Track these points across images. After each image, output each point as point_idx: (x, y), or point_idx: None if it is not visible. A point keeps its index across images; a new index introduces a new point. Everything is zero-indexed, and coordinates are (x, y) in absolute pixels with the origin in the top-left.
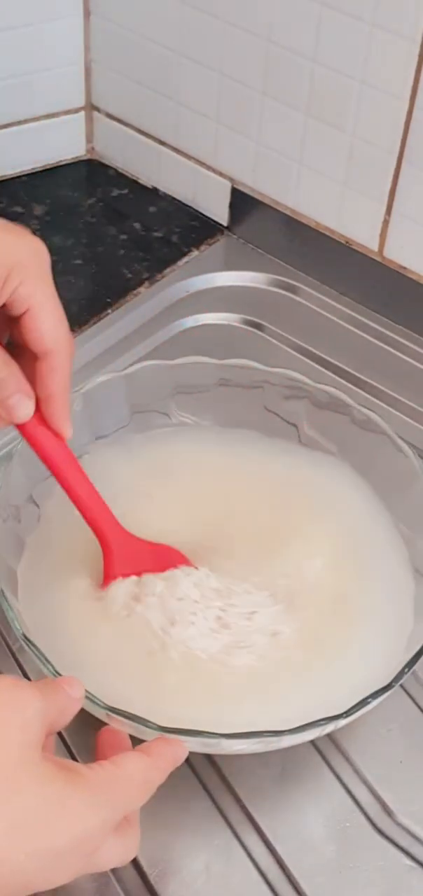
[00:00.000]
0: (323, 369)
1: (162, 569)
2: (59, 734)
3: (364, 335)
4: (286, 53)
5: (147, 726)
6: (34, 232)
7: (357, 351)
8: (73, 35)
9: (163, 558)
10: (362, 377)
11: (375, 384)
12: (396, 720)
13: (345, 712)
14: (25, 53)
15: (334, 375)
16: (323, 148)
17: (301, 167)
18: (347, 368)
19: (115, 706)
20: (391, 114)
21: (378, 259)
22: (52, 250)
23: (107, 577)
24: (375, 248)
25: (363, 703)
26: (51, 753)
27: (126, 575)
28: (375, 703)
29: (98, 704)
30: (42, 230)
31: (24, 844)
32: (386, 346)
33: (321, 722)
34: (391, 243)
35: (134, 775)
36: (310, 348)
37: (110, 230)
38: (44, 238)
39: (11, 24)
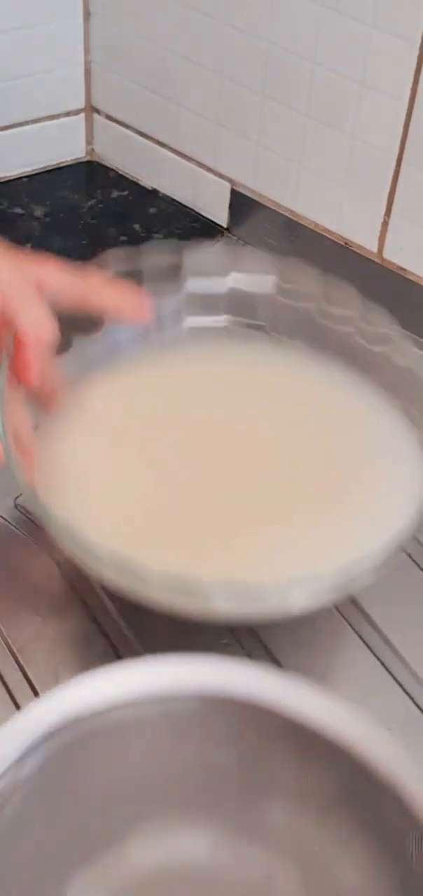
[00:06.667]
0: None
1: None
2: None
3: None
4: (286, 55)
5: (148, 577)
6: (35, 233)
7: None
8: (73, 36)
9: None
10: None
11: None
12: (395, 720)
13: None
14: (25, 55)
15: None
16: (323, 149)
17: (301, 169)
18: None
19: (116, 554)
20: (391, 115)
21: (377, 260)
22: (53, 251)
23: None
24: (374, 249)
25: (381, 553)
26: None
27: None
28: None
29: (98, 556)
30: (42, 231)
31: None
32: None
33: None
34: (391, 245)
35: None
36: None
37: (110, 232)
38: (44, 239)
39: (11, 25)
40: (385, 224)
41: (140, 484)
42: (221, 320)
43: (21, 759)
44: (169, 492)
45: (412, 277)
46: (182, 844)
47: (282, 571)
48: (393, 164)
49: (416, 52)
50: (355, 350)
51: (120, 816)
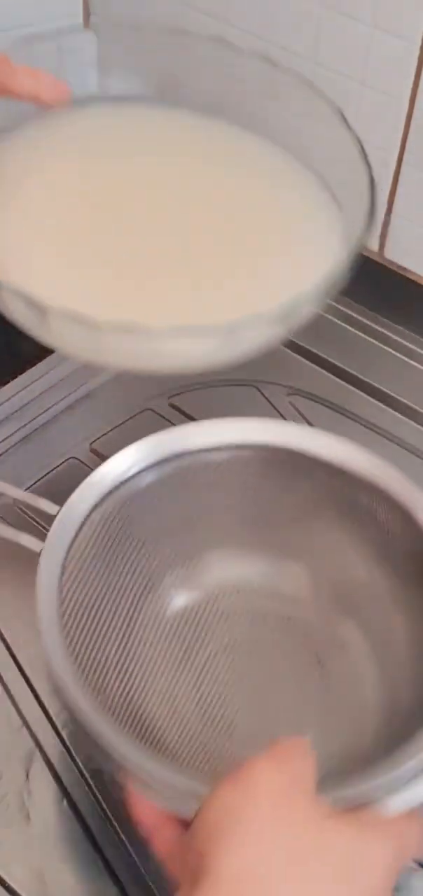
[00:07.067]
0: (322, 370)
1: None
2: None
3: (364, 335)
4: (286, 55)
5: (97, 326)
6: None
7: (357, 351)
8: None
9: None
10: (362, 377)
11: (375, 384)
12: None
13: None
14: (25, 55)
15: (333, 376)
16: None
17: None
18: (347, 368)
19: (64, 309)
20: (391, 114)
21: (378, 260)
22: None
23: None
24: (375, 248)
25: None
26: None
27: None
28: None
29: (46, 311)
30: None
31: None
32: (386, 347)
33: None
34: (391, 244)
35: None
36: (310, 348)
37: None
38: None
39: (11, 25)
40: (386, 224)
41: (76, 245)
42: (141, 94)
43: (140, 473)
44: (108, 248)
45: (412, 277)
46: (242, 559)
47: (226, 314)
48: (393, 164)
49: (416, 52)
50: (271, 117)
51: (201, 536)
